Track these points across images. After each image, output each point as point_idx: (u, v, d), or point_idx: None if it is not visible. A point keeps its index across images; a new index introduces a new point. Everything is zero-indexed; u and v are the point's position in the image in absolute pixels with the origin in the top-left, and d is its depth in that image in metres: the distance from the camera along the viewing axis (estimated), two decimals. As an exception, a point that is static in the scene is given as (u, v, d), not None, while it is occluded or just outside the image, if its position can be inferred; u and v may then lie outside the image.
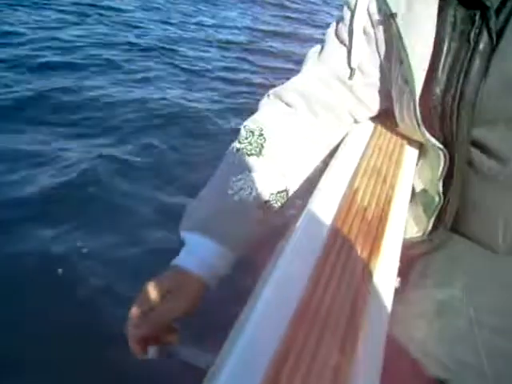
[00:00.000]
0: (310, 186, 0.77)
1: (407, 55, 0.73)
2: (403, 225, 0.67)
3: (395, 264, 0.60)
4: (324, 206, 0.63)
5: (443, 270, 0.89)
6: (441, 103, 0.72)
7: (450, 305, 0.82)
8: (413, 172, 0.81)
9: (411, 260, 0.93)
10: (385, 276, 0.56)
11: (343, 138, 0.87)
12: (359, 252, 0.56)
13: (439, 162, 0.78)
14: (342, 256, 0.55)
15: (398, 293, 0.88)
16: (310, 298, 0.49)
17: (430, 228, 0.87)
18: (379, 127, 0.88)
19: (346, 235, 0.58)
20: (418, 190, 0.89)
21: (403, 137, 0.87)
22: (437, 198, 0.83)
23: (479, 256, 0.87)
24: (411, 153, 0.84)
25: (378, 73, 0.83)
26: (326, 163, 0.82)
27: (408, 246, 0.90)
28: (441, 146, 0.76)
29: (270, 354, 0.43)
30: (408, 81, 0.74)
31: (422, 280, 0.88)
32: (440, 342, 0.79)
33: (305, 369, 0.41)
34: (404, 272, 0.89)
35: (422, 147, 0.87)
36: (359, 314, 0.49)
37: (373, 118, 0.92)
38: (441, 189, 0.82)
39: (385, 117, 0.92)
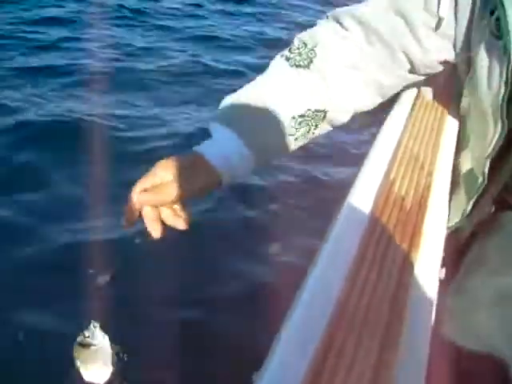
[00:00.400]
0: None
1: (503, 4, 0.66)
2: (445, 212, 0.64)
3: (438, 253, 0.58)
4: (362, 199, 0.62)
5: (498, 255, 0.85)
6: None
7: (508, 293, 0.78)
8: (452, 156, 0.78)
9: (459, 247, 0.90)
10: (427, 266, 0.54)
11: (380, 126, 0.84)
12: (398, 243, 0.54)
13: (494, 135, 0.73)
14: (381, 248, 0.53)
15: (448, 283, 0.85)
16: (349, 294, 0.48)
17: (469, 209, 0.82)
18: (414, 112, 0.85)
19: (384, 227, 0.56)
20: (464, 170, 0.85)
21: (441, 120, 0.84)
22: (480, 179, 0.78)
23: None
24: (449, 137, 0.81)
25: (453, 24, 0.77)
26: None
27: (453, 233, 0.87)
28: (504, 115, 0.70)
29: (310, 353, 0.42)
30: (501, 34, 0.68)
31: (475, 268, 0.85)
32: (502, 333, 0.76)
33: (344, 368, 0.40)
34: (452, 261, 0.86)
35: (470, 123, 0.82)
36: (401, 308, 0.47)
37: (408, 102, 0.89)
38: (487, 168, 0.77)
39: (420, 100, 0.90)
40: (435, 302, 0.52)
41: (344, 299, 0.47)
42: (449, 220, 0.85)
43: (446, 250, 0.70)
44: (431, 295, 0.51)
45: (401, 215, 0.59)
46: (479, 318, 0.79)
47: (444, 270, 0.83)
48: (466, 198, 0.83)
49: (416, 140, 0.75)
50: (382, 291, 0.49)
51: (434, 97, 0.93)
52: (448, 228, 0.82)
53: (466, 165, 0.83)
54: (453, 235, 0.87)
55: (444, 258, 0.68)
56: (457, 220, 0.84)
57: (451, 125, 0.85)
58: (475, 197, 0.81)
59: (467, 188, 0.82)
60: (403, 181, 0.65)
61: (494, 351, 0.75)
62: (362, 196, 0.62)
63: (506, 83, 0.68)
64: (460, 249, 0.90)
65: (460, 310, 0.81)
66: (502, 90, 0.69)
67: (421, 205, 0.61)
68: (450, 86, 0.97)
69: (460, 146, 0.86)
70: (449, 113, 0.90)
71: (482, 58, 0.73)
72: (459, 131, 0.86)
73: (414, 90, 0.94)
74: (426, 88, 0.95)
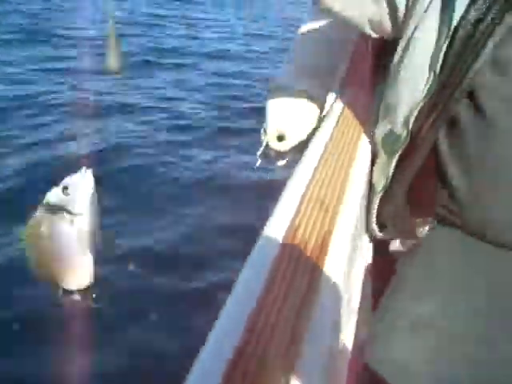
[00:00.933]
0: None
1: None
2: (345, 254, 0.69)
3: (337, 295, 0.62)
4: (268, 246, 0.65)
5: (416, 281, 0.89)
6: (473, 28, 0.74)
7: (426, 320, 0.82)
8: (359, 200, 0.83)
9: (386, 267, 0.94)
10: (326, 307, 0.58)
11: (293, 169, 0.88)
12: (297, 291, 0.58)
13: (428, 82, 0.79)
14: (279, 299, 0.57)
15: (372, 309, 0.89)
16: (248, 341, 0.51)
17: (391, 171, 0.87)
18: (325, 155, 0.90)
19: (285, 274, 0.60)
20: (381, 137, 0.90)
21: (350, 160, 0.89)
22: (404, 133, 0.83)
23: (464, 253, 0.87)
24: (358, 174, 0.87)
25: None
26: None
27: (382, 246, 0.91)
28: (439, 64, 0.77)
29: None
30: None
31: (396, 294, 0.89)
32: (421, 361, 0.79)
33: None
34: (379, 285, 0.90)
35: (398, 84, 0.86)
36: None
37: (321, 141, 0.94)
38: (411, 122, 0.82)
39: (334, 143, 0.95)
40: (333, 349, 0.55)
41: (240, 351, 0.50)
42: (374, 192, 0.90)
43: (373, 266, 0.71)
44: (326, 340, 0.55)
45: (302, 260, 0.63)
46: (395, 345, 0.83)
47: (371, 298, 0.86)
48: (387, 160, 0.88)
49: (323, 183, 0.80)
50: (280, 337, 0.52)
51: (347, 134, 0.99)
52: (378, 197, 0.88)
53: (383, 131, 0.89)
54: (382, 249, 0.91)
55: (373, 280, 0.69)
56: (380, 187, 0.89)
57: (362, 157, 0.91)
58: (398, 153, 0.85)
59: (388, 149, 0.88)
60: (308, 225, 0.70)
61: (409, 378, 0.79)
62: (268, 243, 0.66)
63: (447, 36, 0.76)
64: (384, 266, 0.94)
65: (379, 336, 0.85)
66: (443, 39, 0.76)
67: (322, 248, 0.65)
68: (364, 115, 1.04)
69: (376, 121, 0.92)
70: (362, 143, 0.96)
71: (430, 13, 0.79)
72: (376, 110, 0.93)
73: (329, 129, 1.00)
74: (338, 128, 1.01)
